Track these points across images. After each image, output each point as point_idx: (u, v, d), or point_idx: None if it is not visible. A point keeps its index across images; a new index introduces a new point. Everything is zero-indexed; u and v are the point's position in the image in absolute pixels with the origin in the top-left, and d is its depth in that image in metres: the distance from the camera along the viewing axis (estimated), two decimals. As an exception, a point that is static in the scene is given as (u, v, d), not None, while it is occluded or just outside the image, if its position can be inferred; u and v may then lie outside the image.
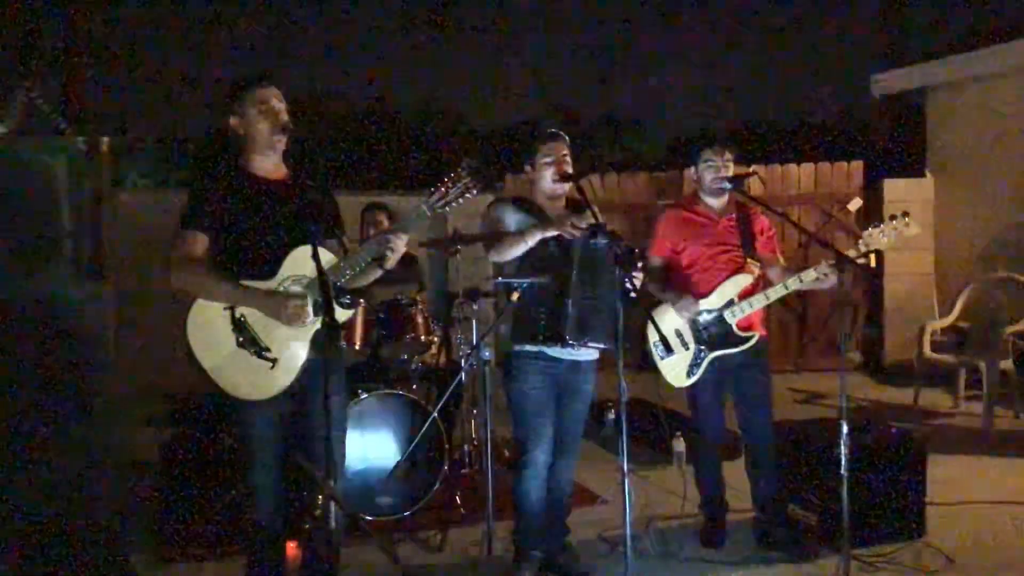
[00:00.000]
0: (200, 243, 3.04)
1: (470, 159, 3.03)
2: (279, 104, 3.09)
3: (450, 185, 2.99)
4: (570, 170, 3.62)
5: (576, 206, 3.67)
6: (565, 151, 3.64)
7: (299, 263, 3.03)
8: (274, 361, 3.03)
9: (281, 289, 3.03)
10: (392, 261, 3.09)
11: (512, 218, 3.58)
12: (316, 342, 3.06)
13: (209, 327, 3.02)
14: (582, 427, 3.80)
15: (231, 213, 3.05)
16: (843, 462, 3.43)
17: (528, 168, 3.69)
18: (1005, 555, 3.99)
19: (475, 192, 3.00)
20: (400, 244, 3.05)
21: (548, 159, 3.62)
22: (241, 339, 3.01)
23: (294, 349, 3.04)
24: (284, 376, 3.04)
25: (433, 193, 3.00)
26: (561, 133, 3.68)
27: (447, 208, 3.02)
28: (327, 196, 3.28)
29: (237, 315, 3.02)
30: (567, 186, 3.63)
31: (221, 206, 3.05)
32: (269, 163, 3.15)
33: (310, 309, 3.02)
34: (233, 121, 3.11)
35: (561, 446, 3.72)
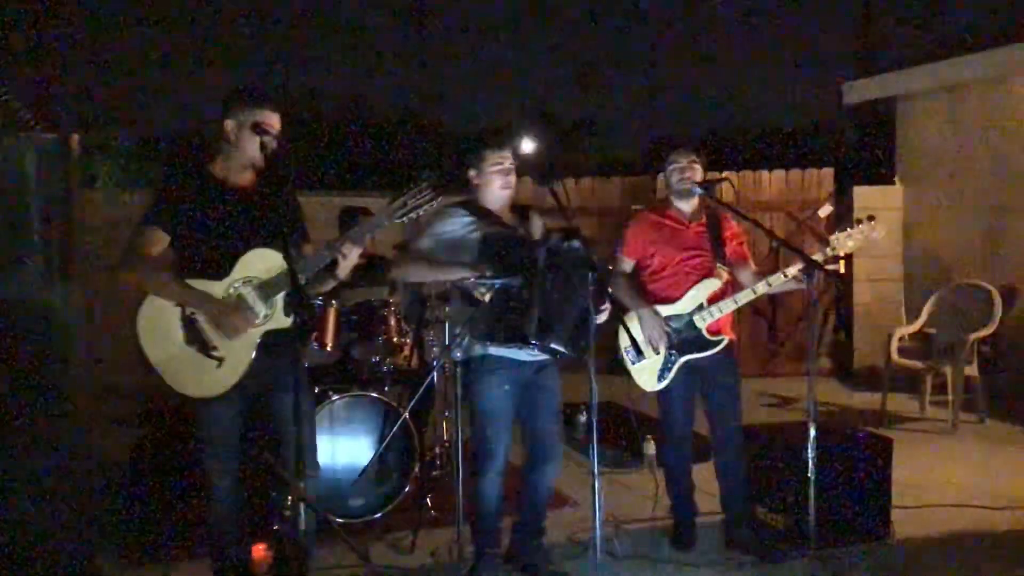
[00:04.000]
0: (159, 240, 3.07)
1: (430, 171, 3.07)
2: (275, 131, 3.12)
3: (411, 196, 3.01)
4: (513, 181, 3.64)
5: (523, 211, 3.72)
6: (511, 159, 3.66)
7: (250, 266, 3.07)
8: (220, 360, 3.05)
9: (231, 291, 3.06)
10: (344, 270, 3.12)
11: (444, 243, 3.57)
12: (268, 343, 3.08)
13: (159, 322, 3.04)
14: (559, 427, 3.80)
15: (191, 213, 3.07)
16: (810, 465, 3.47)
17: (473, 173, 3.67)
18: (967, 557, 4.05)
19: (436, 203, 3.04)
20: (352, 253, 3.07)
21: (497, 167, 3.63)
22: (189, 337, 3.04)
23: (241, 349, 3.06)
24: (229, 376, 3.06)
25: (393, 202, 3.02)
26: (508, 140, 3.71)
27: (407, 218, 3.03)
28: (291, 203, 3.31)
29: (187, 312, 3.05)
30: (511, 192, 3.66)
31: (183, 205, 3.08)
32: (240, 171, 3.18)
33: (259, 313, 3.05)
34: (228, 124, 3.12)
35: (542, 450, 3.73)
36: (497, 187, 3.63)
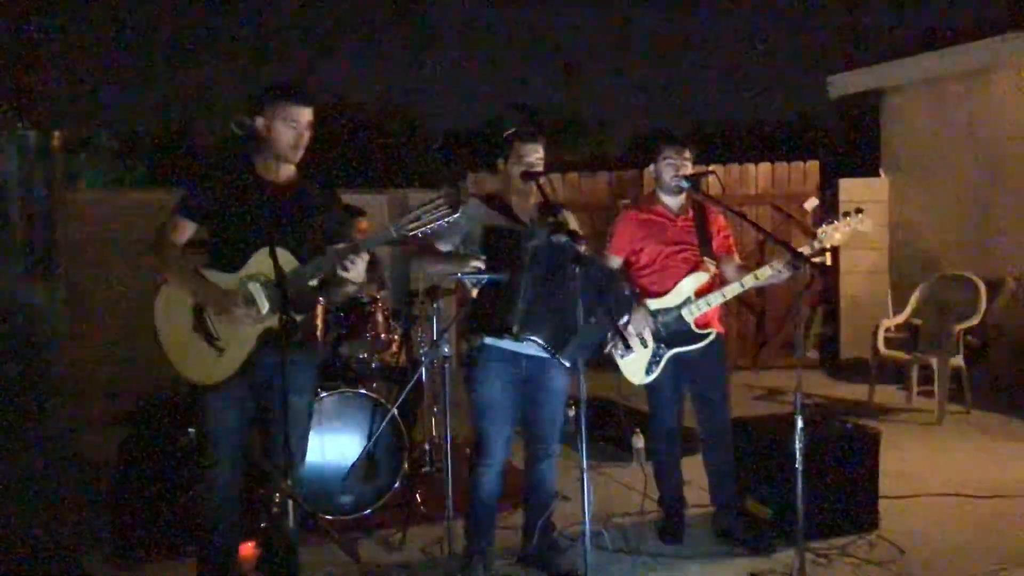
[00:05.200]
0: (185, 229, 3.17)
1: (449, 187, 3.04)
2: (307, 125, 3.16)
3: (426, 211, 2.99)
4: (538, 170, 3.66)
5: (546, 207, 3.70)
6: (541, 154, 3.68)
7: (261, 263, 3.09)
8: (221, 351, 3.11)
9: (239, 286, 3.08)
10: (357, 275, 3.12)
11: (454, 229, 3.53)
12: (271, 340, 3.09)
13: (173, 307, 3.15)
14: (559, 425, 3.81)
15: (218, 206, 3.14)
16: (798, 457, 3.48)
17: (501, 162, 3.71)
18: (954, 546, 4.08)
19: (449, 221, 2.99)
20: (360, 263, 3.08)
21: (524, 159, 3.65)
22: (196, 324, 3.12)
23: (241, 343, 3.11)
24: (226, 367, 3.12)
25: (405, 215, 3.00)
26: (539, 136, 3.71)
27: (418, 233, 3.01)
28: (328, 202, 3.33)
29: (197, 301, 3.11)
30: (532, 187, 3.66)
31: (214, 199, 3.14)
32: (276, 166, 3.20)
33: (262, 309, 3.08)
34: (260, 122, 3.14)
35: (540, 447, 3.75)
36: (520, 179, 3.65)
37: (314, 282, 3.16)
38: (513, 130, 3.75)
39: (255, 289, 3.08)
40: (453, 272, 3.54)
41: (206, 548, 3.28)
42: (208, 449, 3.20)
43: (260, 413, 3.23)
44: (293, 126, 3.13)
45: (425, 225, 2.98)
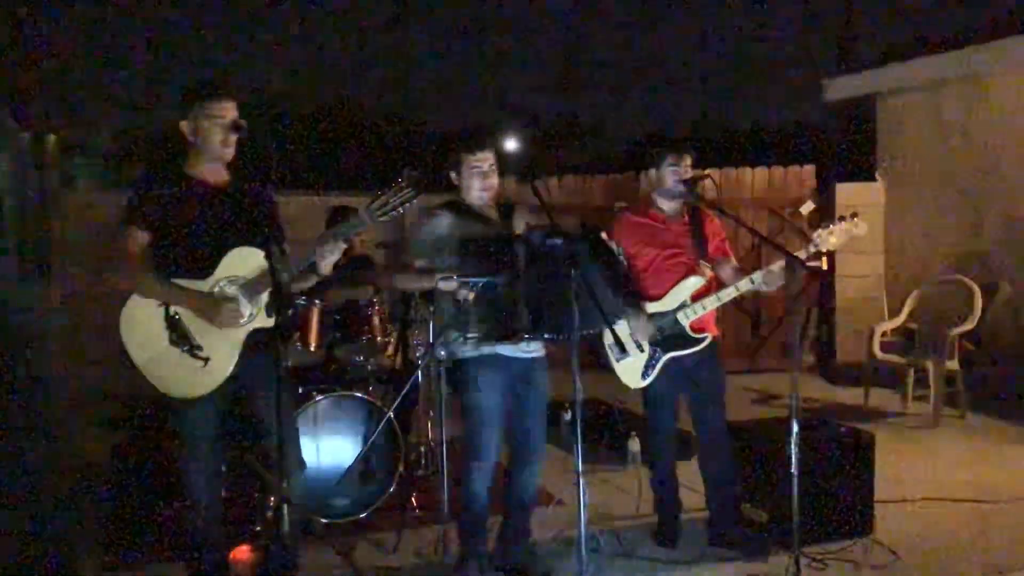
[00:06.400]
0: (140, 239, 3.06)
1: (411, 168, 3.05)
2: (233, 120, 3.10)
3: (391, 194, 3.00)
4: (495, 182, 3.67)
5: (507, 208, 3.72)
6: (492, 161, 3.67)
7: (233, 265, 3.07)
8: (206, 360, 3.04)
9: (216, 290, 3.05)
10: (326, 266, 3.11)
11: (428, 243, 3.58)
12: (252, 343, 3.08)
13: (143, 323, 3.04)
14: (544, 428, 3.80)
15: (171, 213, 3.07)
16: (794, 461, 3.48)
17: (453, 175, 3.70)
18: (949, 551, 4.08)
19: (416, 200, 3.02)
20: (335, 250, 3.06)
21: (475, 170, 3.65)
22: (174, 337, 3.03)
23: (226, 349, 3.06)
24: (216, 375, 3.06)
25: (373, 200, 3.01)
26: (488, 141, 3.71)
27: (388, 216, 3.02)
28: (266, 201, 3.31)
29: (171, 313, 3.04)
30: (491, 193, 3.68)
31: (162, 205, 3.07)
32: (213, 168, 3.17)
33: (244, 311, 3.04)
34: (184, 125, 3.12)
35: (525, 452, 3.74)
36: (476, 189, 3.66)
37: (285, 277, 3.09)
38: (460, 142, 3.74)
39: (233, 292, 3.05)
40: (433, 285, 3.52)
41: (195, 560, 3.26)
42: (189, 460, 3.15)
43: (244, 416, 3.20)
44: (219, 122, 3.08)
45: (393, 208, 3.00)
